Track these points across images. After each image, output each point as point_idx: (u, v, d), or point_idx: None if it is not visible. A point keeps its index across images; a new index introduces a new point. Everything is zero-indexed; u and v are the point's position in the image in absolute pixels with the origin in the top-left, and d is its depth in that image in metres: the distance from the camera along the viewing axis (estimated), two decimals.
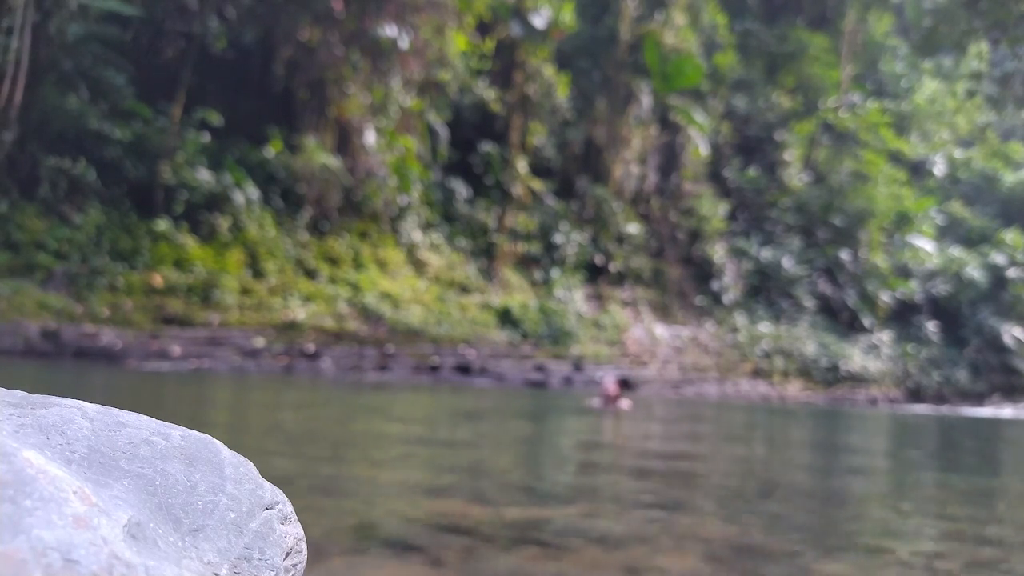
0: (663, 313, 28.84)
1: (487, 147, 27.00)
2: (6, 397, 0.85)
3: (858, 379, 29.59)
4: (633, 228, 29.46)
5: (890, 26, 38.39)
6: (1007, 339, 32.90)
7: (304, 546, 0.94)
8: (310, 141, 22.34)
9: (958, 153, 39.70)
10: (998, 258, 34.18)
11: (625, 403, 11.90)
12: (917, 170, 37.76)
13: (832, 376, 29.10)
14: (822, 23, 36.56)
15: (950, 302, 33.61)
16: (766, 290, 31.32)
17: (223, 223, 20.01)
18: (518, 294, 25.05)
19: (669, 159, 31.42)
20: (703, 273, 30.71)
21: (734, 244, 31.89)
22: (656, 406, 14.75)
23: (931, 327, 32.91)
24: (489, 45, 26.76)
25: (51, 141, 18.73)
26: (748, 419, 13.30)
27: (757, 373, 27.89)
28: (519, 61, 27.62)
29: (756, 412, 16.03)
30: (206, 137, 20.88)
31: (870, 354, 30.83)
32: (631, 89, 29.73)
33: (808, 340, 29.53)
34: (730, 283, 30.66)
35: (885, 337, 31.97)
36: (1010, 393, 32.26)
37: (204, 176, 20.13)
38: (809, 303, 31.46)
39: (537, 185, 27.79)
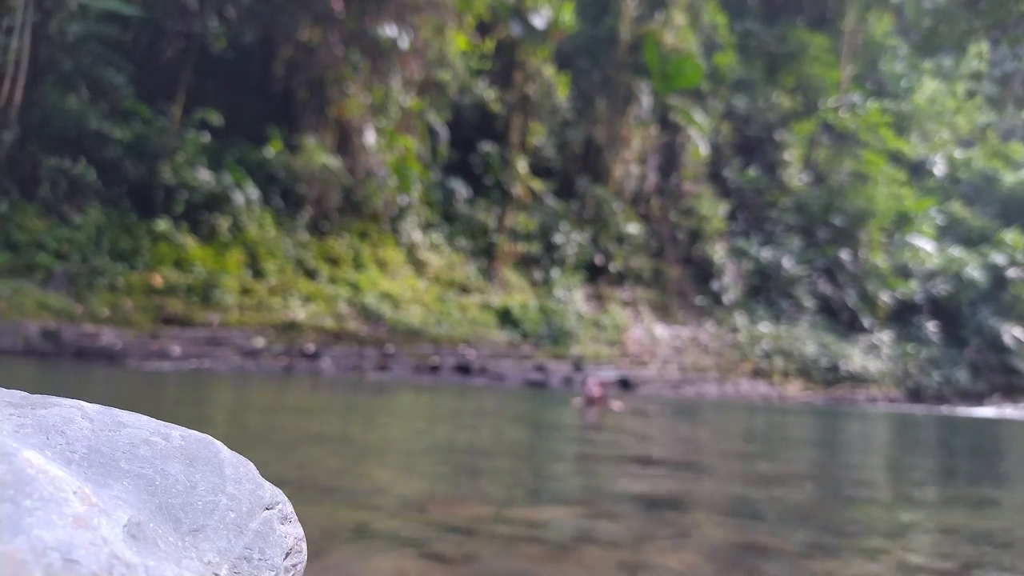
0: (663, 313, 28.84)
1: (487, 147, 27.00)
2: (6, 397, 0.85)
3: (858, 379, 29.59)
4: (633, 228, 29.47)
5: (890, 26, 38.40)
6: (1007, 339, 32.91)
7: (304, 546, 0.94)
8: (310, 141, 22.34)
9: (958, 153, 39.71)
10: (998, 258, 34.18)
11: (616, 404, 11.69)
12: (917, 170, 37.77)
13: (832, 376, 29.10)
14: (822, 23, 36.57)
15: (950, 302, 33.62)
16: (766, 290, 31.32)
17: (223, 223, 20.01)
18: (518, 294, 25.05)
19: (669, 159, 31.42)
20: (703, 273, 30.71)
21: (734, 244, 31.90)
22: (652, 406, 14.75)
23: (931, 327, 32.91)
24: (489, 45, 26.76)
25: (51, 141, 18.72)
26: (747, 419, 13.30)
27: (757, 373, 27.90)
28: (519, 61, 27.63)
29: (756, 412, 16.03)
30: (206, 137, 20.87)
31: (870, 354, 30.83)
32: (631, 89, 29.73)
33: (808, 340, 29.53)
34: (730, 283, 30.66)
35: (885, 337, 31.98)
36: (1010, 393, 32.27)
37: (204, 176, 20.13)
38: (809, 303, 31.47)
39: (537, 185, 27.79)
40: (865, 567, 2.72)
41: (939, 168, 38.81)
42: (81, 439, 0.80)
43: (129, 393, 8.71)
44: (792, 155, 34.41)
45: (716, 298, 30.17)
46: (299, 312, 19.39)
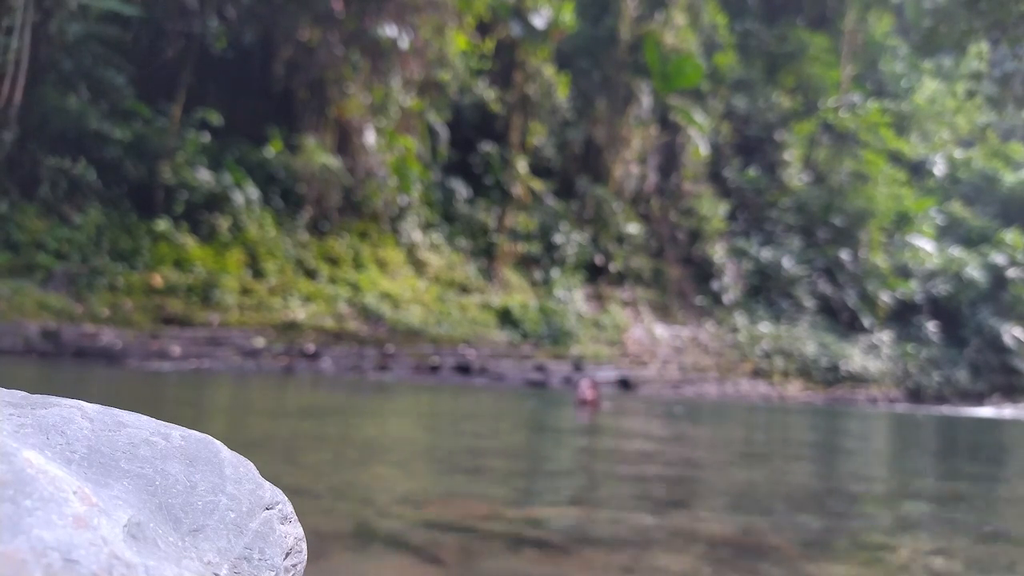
0: (663, 313, 28.84)
1: (487, 147, 27.00)
2: (6, 397, 0.85)
3: (858, 379, 29.59)
4: (633, 228, 29.47)
5: (890, 26, 38.40)
6: (1007, 339, 32.90)
7: (304, 546, 0.94)
8: (310, 141, 22.34)
9: (958, 153, 39.71)
10: (998, 258, 34.18)
11: (603, 405, 12.04)
12: (917, 170, 37.77)
13: (832, 376, 29.10)
14: (822, 23, 36.57)
15: (950, 302, 33.61)
16: (766, 290, 31.32)
17: (223, 223, 20.01)
18: (518, 294, 25.05)
19: (669, 159, 31.42)
20: (703, 273, 30.71)
21: (734, 244, 31.90)
22: (677, 407, 14.74)
23: (931, 327, 32.91)
24: (489, 45, 26.76)
25: (51, 141, 18.72)
26: (746, 419, 13.29)
27: (757, 373, 27.89)
28: (519, 61, 27.62)
29: (756, 412, 16.03)
30: (206, 137, 20.87)
31: (870, 354, 30.82)
32: (631, 89, 29.73)
33: (808, 340, 29.53)
34: (730, 283, 30.66)
35: (885, 337, 31.97)
36: (1010, 393, 32.27)
37: (204, 176, 20.13)
38: (809, 303, 31.47)
39: (537, 185, 27.79)
40: (865, 567, 2.72)
41: (939, 168, 38.81)
42: (81, 439, 0.80)
43: (129, 393, 8.71)
44: (792, 155, 34.41)
45: (716, 298, 30.17)
46: (299, 312, 19.39)
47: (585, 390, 11.57)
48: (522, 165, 27.34)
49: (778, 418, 14.47)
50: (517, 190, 27.12)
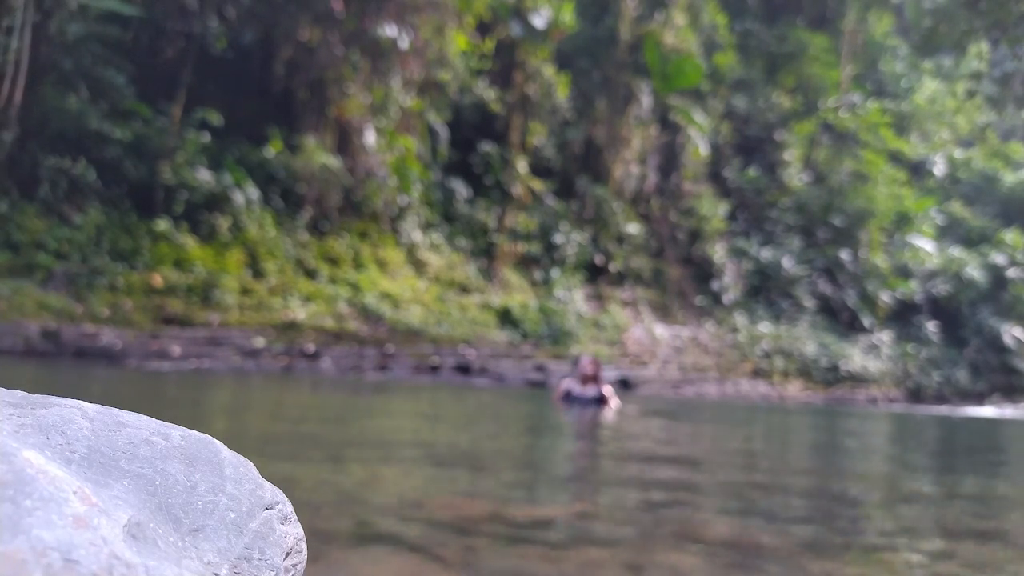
0: (663, 313, 28.84)
1: (487, 147, 27.00)
2: (6, 397, 0.85)
3: (858, 379, 29.60)
4: (633, 228, 29.47)
5: (890, 26, 38.42)
6: (1007, 339, 32.92)
7: (304, 546, 0.94)
8: (310, 141, 22.34)
9: (958, 153, 39.73)
10: (998, 258, 34.20)
11: (614, 402, 10.60)
12: (917, 170, 37.79)
13: (832, 376, 29.10)
14: (822, 23, 36.58)
15: (950, 302, 33.63)
16: (766, 290, 31.33)
17: (223, 223, 20.00)
18: (518, 294, 25.05)
19: (669, 159, 31.43)
20: (703, 273, 30.72)
21: (734, 244, 31.90)
22: (648, 406, 14.75)
23: (931, 327, 32.92)
24: (489, 45, 26.76)
25: (51, 141, 18.72)
26: (746, 419, 13.29)
27: (757, 373, 27.89)
28: (519, 61, 27.62)
29: (756, 412, 16.03)
30: (206, 137, 20.87)
31: (870, 354, 30.83)
32: (631, 89, 29.73)
33: (808, 340, 29.53)
34: (730, 283, 30.66)
35: (885, 337, 31.98)
36: (1010, 393, 32.28)
37: (204, 176, 20.13)
38: (809, 303, 31.47)
39: (537, 185, 27.79)
40: (865, 567, 2.72)
41: (939, 168, 38.82)
42: (81, 439, 0.80)
43: (129, 393, 8.71)
44: (792, 155, 34.42)
45: (716, 298, 30.17)
46: (299, 312, 19.39)
47: (586, 365, 10.40)
48: (522, 165, 27.34)
49: (778, 418, 14.48)
50: (517, 190, 27.12)
